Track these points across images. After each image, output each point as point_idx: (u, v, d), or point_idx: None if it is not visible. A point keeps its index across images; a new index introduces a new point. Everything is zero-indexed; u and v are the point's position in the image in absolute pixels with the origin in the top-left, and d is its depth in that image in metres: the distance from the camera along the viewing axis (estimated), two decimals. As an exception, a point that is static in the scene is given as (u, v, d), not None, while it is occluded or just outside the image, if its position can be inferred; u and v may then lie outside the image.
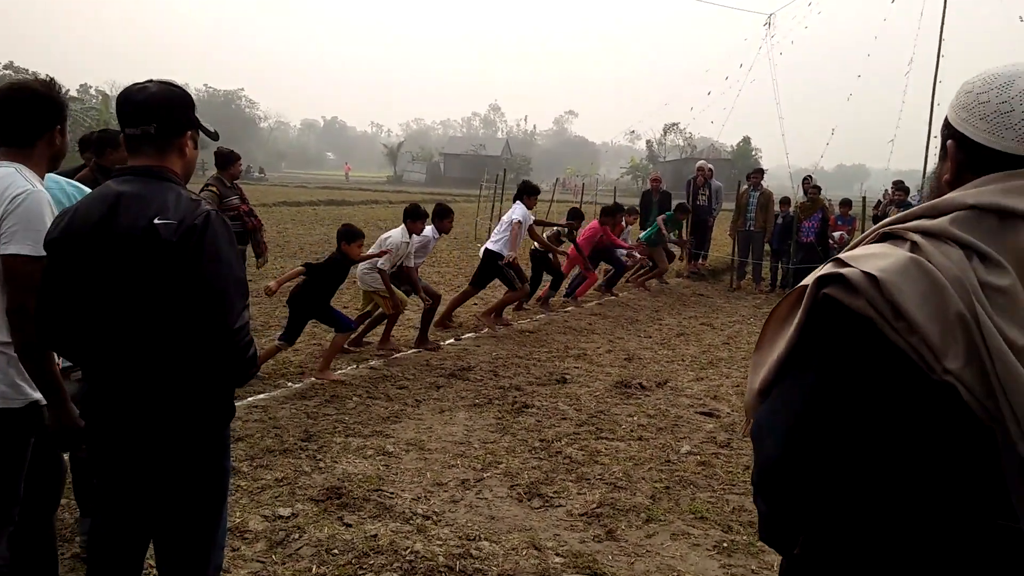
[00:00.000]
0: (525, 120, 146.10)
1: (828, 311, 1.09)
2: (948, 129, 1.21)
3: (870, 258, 1.08)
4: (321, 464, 4.22)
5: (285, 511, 3.64)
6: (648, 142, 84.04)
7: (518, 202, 8.25)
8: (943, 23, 17.17)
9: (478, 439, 4.78)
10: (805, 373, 1.13)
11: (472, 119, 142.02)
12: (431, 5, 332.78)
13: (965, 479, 1.05)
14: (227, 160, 6.69)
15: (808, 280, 1.14)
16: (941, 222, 1.09)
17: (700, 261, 13.30)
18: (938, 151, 1.26)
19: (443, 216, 7.40)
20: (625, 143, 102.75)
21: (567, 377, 6.32)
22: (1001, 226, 1.06)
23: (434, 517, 3.68)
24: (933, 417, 1.04)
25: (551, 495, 4.01)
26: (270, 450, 4.35)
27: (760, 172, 13.01)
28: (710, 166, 13.47)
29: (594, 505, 3.89)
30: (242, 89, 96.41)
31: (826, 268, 1.11)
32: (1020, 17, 18.22)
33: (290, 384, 5.70)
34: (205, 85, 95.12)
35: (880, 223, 1.19)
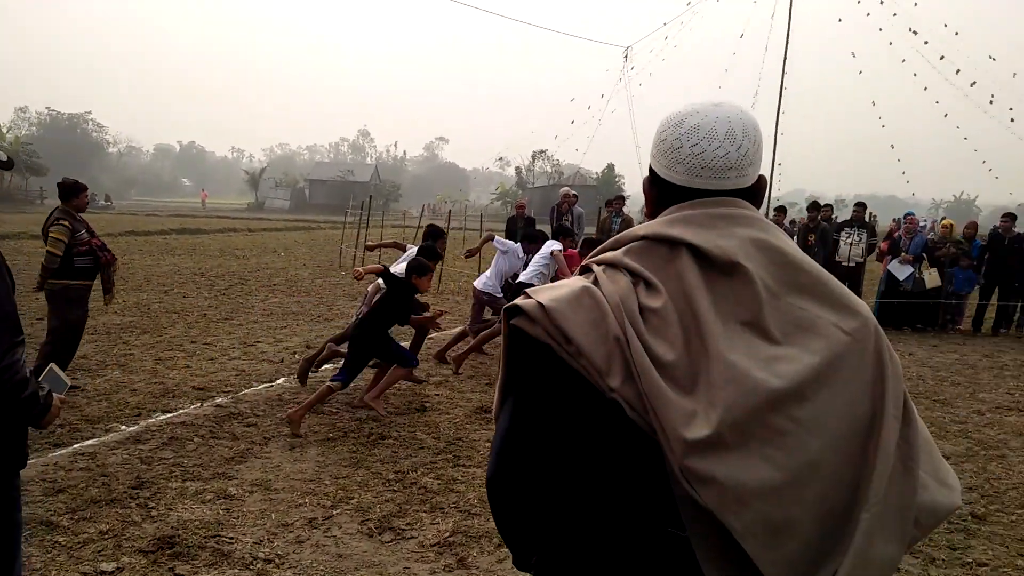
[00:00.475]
0: (395, 146, 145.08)
1: (517, 339, 1.16)
2: (649, 167, 1.31)
3: (548, 289, 1.16)
4: (153, 512, 3.91)
5: (108, 566, 3.35)
6: (517, 168, 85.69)
7: (552, 241, 8.01)
8: (785, 58, 18.80)
9: (330, 475, 4.61)
10: (510, 397, 1.21)
11: (340, 144, 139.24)
12: (297, 26, 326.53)
13: (641, 490, 1.12)
14: (71, 191, 6.13)
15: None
16: (617, 253, 1.19)
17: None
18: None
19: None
20: (495, 169, 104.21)
21: (427, 405, 6.24)
22: (670, 253, 1.16)
23: (276, 560, 3.50)
24: (611, 433, 1.11)
25: (403, 527, 3.92)
26: (95, 500, 4.00)
27: (622, 199, 13.53)
28: (574, 192, 13.84)
29: (447, 534, 3.84)
30: (89, 112, 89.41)
31: (516, 300, 1.18)
32: (852, 53, 20.31)
33: (124, 428, 5.27)
34: (48, 108, 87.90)
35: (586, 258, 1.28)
